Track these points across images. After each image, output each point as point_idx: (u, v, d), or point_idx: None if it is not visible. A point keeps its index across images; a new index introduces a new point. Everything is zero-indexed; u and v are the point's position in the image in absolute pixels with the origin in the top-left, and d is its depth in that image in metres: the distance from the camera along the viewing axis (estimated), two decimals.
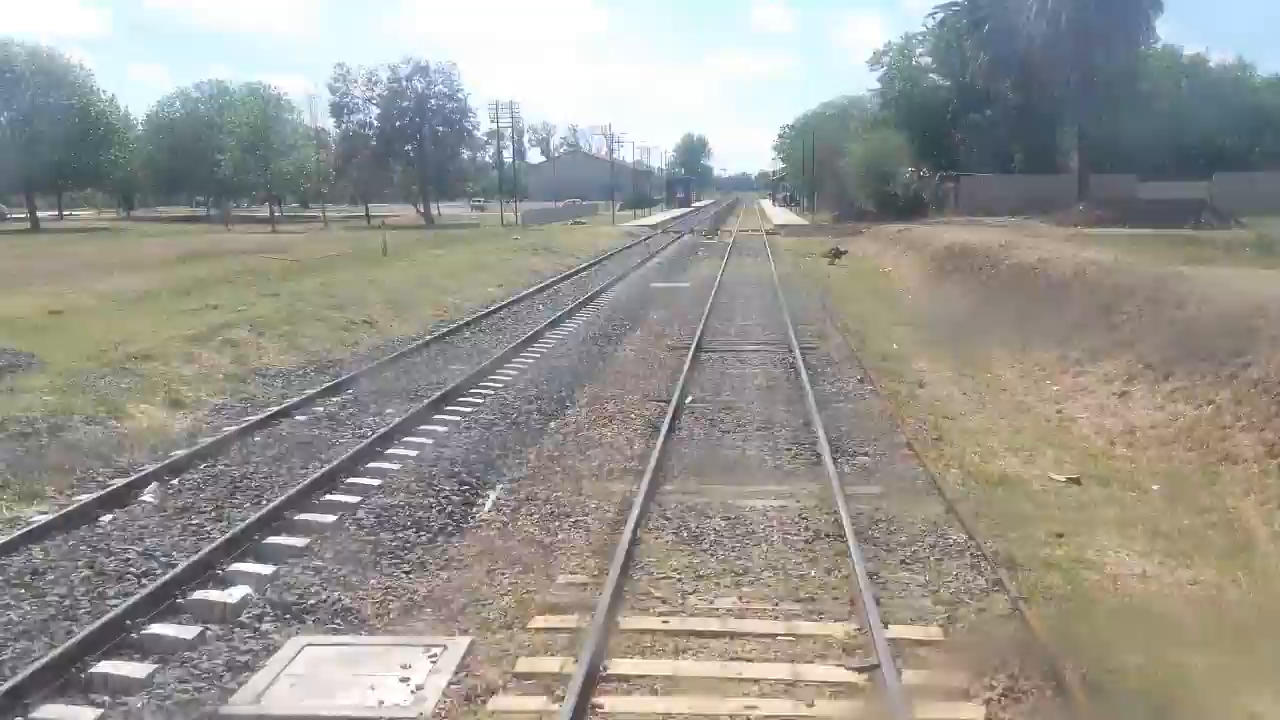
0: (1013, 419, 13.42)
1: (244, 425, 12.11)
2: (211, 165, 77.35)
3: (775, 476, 10.22)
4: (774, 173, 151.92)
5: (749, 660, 6.18)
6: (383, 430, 11.61)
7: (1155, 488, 10.53)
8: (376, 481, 9.91)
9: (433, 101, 71.50)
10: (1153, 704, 5.76)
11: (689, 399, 13.66)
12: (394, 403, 13.45)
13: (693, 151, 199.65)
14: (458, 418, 12.67)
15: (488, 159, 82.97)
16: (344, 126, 71.34)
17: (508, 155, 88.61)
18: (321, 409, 13.23)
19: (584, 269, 36.85)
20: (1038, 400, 14.74)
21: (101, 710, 5.69)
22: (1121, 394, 14.32)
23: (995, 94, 59.32)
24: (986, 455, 11.24)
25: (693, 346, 17.68)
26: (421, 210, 74.16)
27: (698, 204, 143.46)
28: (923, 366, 16.97)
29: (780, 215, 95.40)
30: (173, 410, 13.10)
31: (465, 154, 74.54)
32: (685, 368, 15.63)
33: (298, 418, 12.70)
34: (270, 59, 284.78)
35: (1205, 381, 12.94)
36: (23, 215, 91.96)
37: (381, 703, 5.69)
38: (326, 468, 10.08)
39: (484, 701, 5.68)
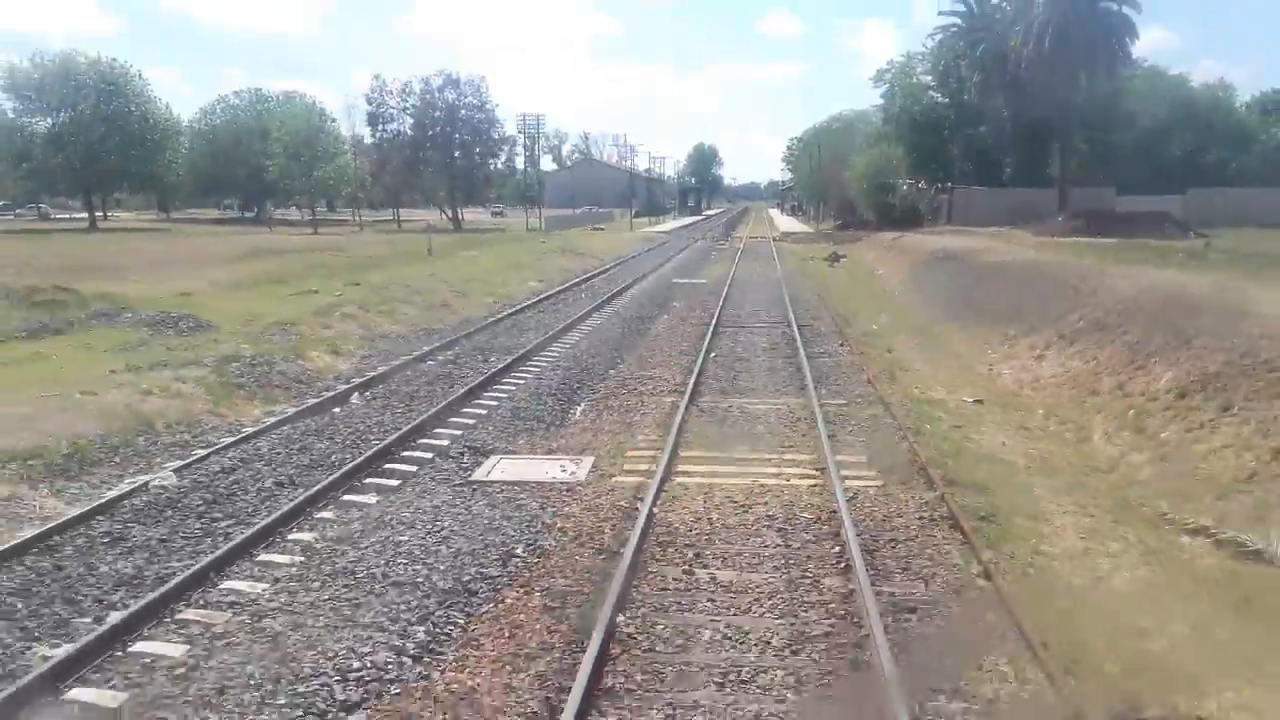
0: (952, 371, 18.10)
1: (394, 365, 16.85)
2: (251, 170, 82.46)
3: (773, 394, 14.93)
4: (782, 183, 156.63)
5: (754, 468, 10.85)
6: (494, 369, 16.32)
7: (1040, 411, 15.21)
8: (502, 397, 14.60)
9: (462, 112, 76.45)
10: (979, 489, 10.40)
11: (712, 354, 18.37)
12: (493, 356, 18.16)
13: (703, 160, 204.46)
14: (542, 365, 17.37)
15: (500, 165, 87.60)
16: (379, 134, 76.19)
17: (530, 163, 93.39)
18: (443, 357, 17.98)
19: (610, 268, 41.49)
20: (976, 361, 19.44)
21: (399, 481, 10.35)
22: (1039, 357, 19.01)
23: (988, 112, 63.85)
24: (924, 389, 15.93)
25: (712, 324, 22.38)
26: (449, 215, 79.01)
27: (708, 212, 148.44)
28: (893, 340, 21.65)
29: (787, 223, 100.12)
30: (335, 357, 17.86)
31: (491, 162, 79.19)
32: (707, 336, 20.34)
33: (429, 362, 17.45)
34: (282, 63, 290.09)
35: (1095, 346, 17.63)
36: (65, 216, 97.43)
37: (554, 478, 10.40)
38: (466, 388, 14.78)
39: (609, 478, 10.38)
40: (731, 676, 6.13)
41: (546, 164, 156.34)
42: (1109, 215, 49.17)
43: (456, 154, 76.36)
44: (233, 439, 11.88)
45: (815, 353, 18.70)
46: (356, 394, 14.61)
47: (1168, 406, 13.56)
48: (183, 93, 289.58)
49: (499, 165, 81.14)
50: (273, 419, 13.02)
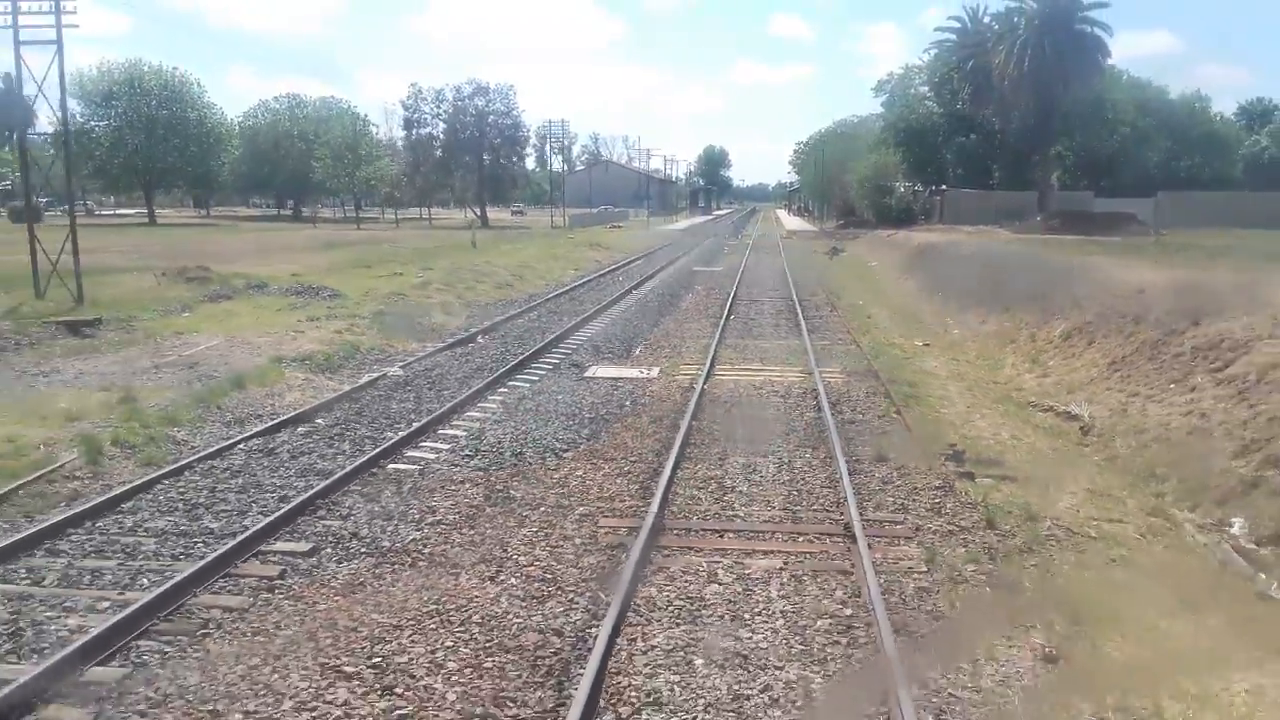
0: (914, 328, 23.91)
1: (494, 321, 22.70)
2: (292, 170, 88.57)
3: (777, 338, 20.76)
4: (789, 184, 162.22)
5: (764, 373, 16.65)
6: (567, 326, 22.10)
7: (971, 352, 21.00)
8: (580, 340, 20.40)
9: (491, 117, 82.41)
10: (909, 384, 16.15)
11: (731, 317, 24.19)
12: (563, 317, 23.96)
13: (713, 162, 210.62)
14: (602, 324, 23.16)
15: (525, 167, 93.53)
16: (413, 138, 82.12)
17: (554, 165, 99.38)
18: (526, 318, 23.85)
19: (636, 260, 47.29)
20: (934, 323, 25.25)
21: (538, 377, 16.16)
22: (982, 320, 24.80)
23: (978, 121, 69.61)
24: (888, 337, 21.75)
25: (730, 298, 28.19)
26: (479, 213, 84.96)
27: (718, 212, 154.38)
28: (873, 310, 27.46)
29: (793, 223, 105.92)
30: (447, 316, 23.74)
31: (517, 164, 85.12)
32: (727, 305, 26.17)
33: (518, 320, 23.31)
34: (293, 63, 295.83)
35: (1024, 311, 23.38)
36: (109, 212, 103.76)
37: (636, 376, 16.23)
38: (553, 335, 20.56)
39: (672, 377, 16.21)
40: (752, 445, 11.89)
41: (556, 164, 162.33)
42: (1081, 215, 54.75)
43: (486, 157, 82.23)
44: (416, 357, 17.76)
45: (810, 316, 24.51)
46: (481, 336, 20.47)
47: (1057, 346, 19.39)
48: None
49: (524, 167, 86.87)
50: (431, 349, 18.86)
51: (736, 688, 5.90)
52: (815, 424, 12.82)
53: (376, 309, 22.93)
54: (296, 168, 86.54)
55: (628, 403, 14.12)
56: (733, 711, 5.64)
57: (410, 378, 15.74)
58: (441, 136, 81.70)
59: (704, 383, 15.30)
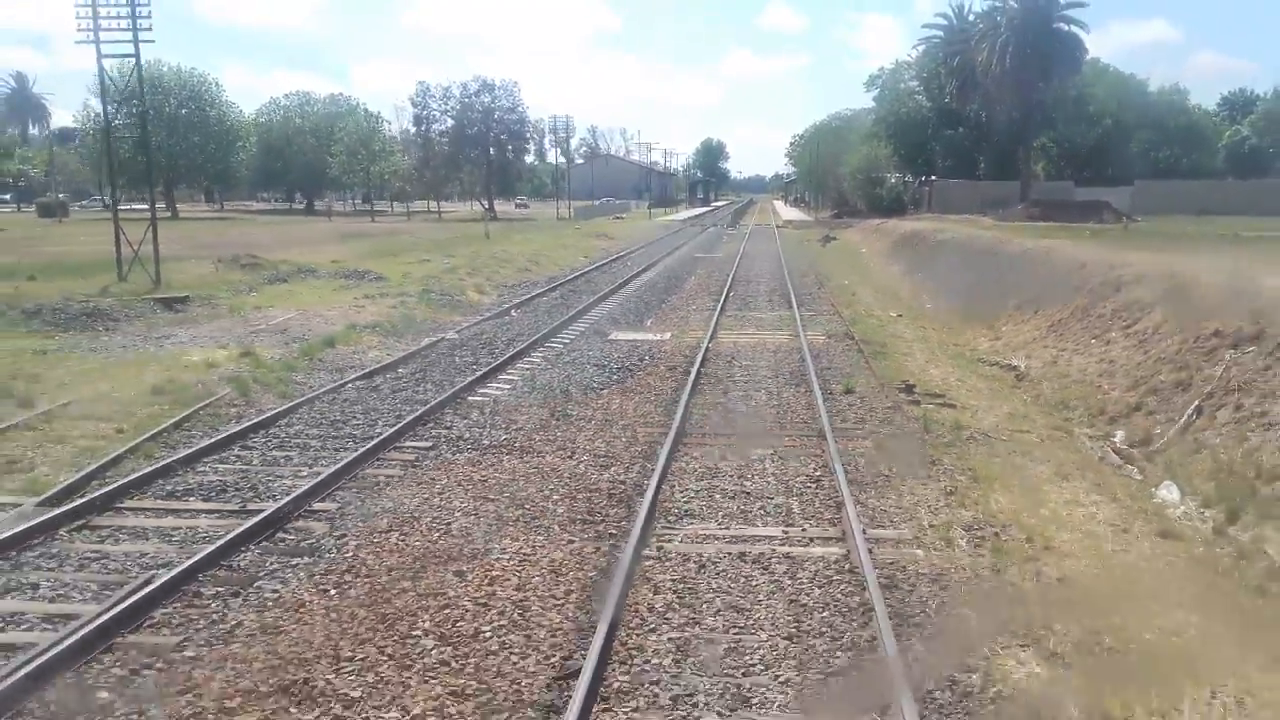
0: (891, 304, 27.06)
1: (523, 299, 25.82)
2: (304, 165, 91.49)
3: (771, 310, 23.91)
4: (786, 175, 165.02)
5: (759, 336, 19.80)
6: (587, 302, 25.22)
7: (940, 323, 24.16)
8: (600, 313, 23.54)
9: (497, 114, 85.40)
10: (879, 344, 19.31)
11: (731, 294, 27.34)
12: (583, 295, 27.07)
13: (711, 154, 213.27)
14: (617, 301, 26.29)
15: (529, 161, 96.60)
16: (423, 133, 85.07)
17: (559, 159, 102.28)
18: (550, 296, 26.98)
19: (640, 248, 50.38)
20: (909, 297, 28.43)
21: (570, 340, 19.30)
22: (942, 294, 27.96)
23: (965, 114, 72.61)
24: (867, 309, 24.90)
25: (729, 279, 31.33)
26: (486, 205, 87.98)
27: (716, 204, 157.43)
28: (857, 288, 30.61)
29: (789, 213, 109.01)
30: (481, 295, 26.87)
31: (523, 158, 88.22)
32: (727, 285, 29.31)
33: (544, 298, 26.44)
34: (285, 56, 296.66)
35: (980, 290, 26.53)
36: (126, 208, 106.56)
37: (651, 339, 19.39)
38: (576, 309, 23.69)
39: (681, 339, 19.36)
40: (749, 384, 15.01)
41: (553, 157, 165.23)
42: (1059, 204, 57.84)
43: (492, 151, 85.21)
44: (464, 326, 20.91)
45: (800, 293, 27.66)
46: (514, 310, 23.62)
47: (1010, 315, 22.57)
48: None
49: (529, 161, 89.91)
50: (475, 320, 21.99)
51: (743, 507, 9.07)
52: (799, 370, 15.98)
53: (420, 289, 26.06)
54: (309, 163, 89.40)
55: (646, 357, 17.27)
56: (740, 518, 8.81)
57: (464, 340, 18.89)
58: (450, 132, 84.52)
59: (708, 342, 18.46)
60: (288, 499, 9.00)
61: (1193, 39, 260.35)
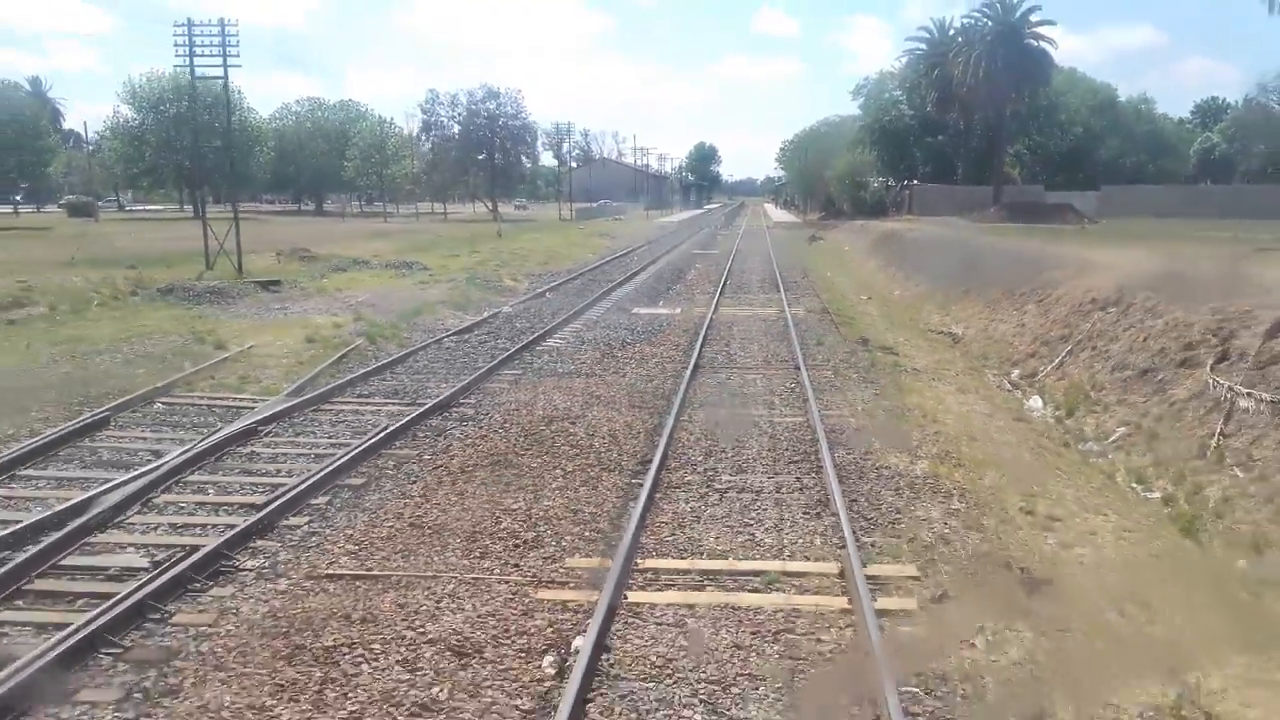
0: (864, 290, 31.94)
1: (551, 285, 30.59)
2: (315, 168, 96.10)
3: (762, 294, 28.76)
4: (776, 179, 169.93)
5: (752, 311, 24.61)
6: (606, 288, 29.99)
7: (901, 305, 29.03)
8: (620, 295, 28.33)
9: (502, 120, 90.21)
10: (848, 317, 24.14)
11: (728, 282, 32.17)
12: (601, 283, 31.82)
13: (703, 158, 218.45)
14: (630, 287, 31.06)
15: (532, 165, 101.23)
16: (431, 139, 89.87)
17: (562, 163, 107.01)
18: (574, 283, 31.76)
19: (643, 246, 55.17)
20: (882, 287, 33.30)
21: (600, 314, 24.08)
22: (916, 284, 32.84)
23: (944, 123, 77.64)
24: (843, 295, 29.77)
25: (726, 271, 36.17)
26: (491, 207, 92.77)
27: (709, 206, 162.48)
28: (836, 279, 35.48)
29: (779, 215, 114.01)
30: (516, 282, 31.64)
31: (526, 163, 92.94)
32: (724, 276, 34.14)
33: (569, 284, 31.22)
34: (277, 58, 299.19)
35: (941, 279, 31.42)
36: (140, 208, 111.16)
37: (666, 313, 24.20)
38: (599, 292, 28.47)
39: (689, 314, 24.19)
40: (745, 340, 19.79)
41: (548, 160, 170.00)
42: (1027, 206, 62.79)
43: (497, 155, 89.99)
44: (512, 304, 25.68)
45: (787, 281, 32.50)
46: (548, 293, 28.39)
47: (959, 299, 27.44)
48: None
49: (532, 165, 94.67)
50: (520, 300, 26.73)
51: (741, 400, 13.89)
52: (783, 331, 20.80)
53: (465, 276, 30.83)
54: (321, 166, 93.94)
55: (664, 324, 22.08)
56: (739, 404, 13.60)
57: (517, 313, 23.68)
58: (457, 137, 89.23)
59: (712, 314, 23.27)
60: (441, 398, 13.73)
61: (1180, 44, 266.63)
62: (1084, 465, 12.06)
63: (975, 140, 75.37)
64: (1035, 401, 15.66)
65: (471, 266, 35.14)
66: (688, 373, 15.46)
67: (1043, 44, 65.95)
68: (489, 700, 5.65)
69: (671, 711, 5.61)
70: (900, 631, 6.56)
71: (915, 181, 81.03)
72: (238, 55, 31.52)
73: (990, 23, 67.19)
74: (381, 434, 11.52)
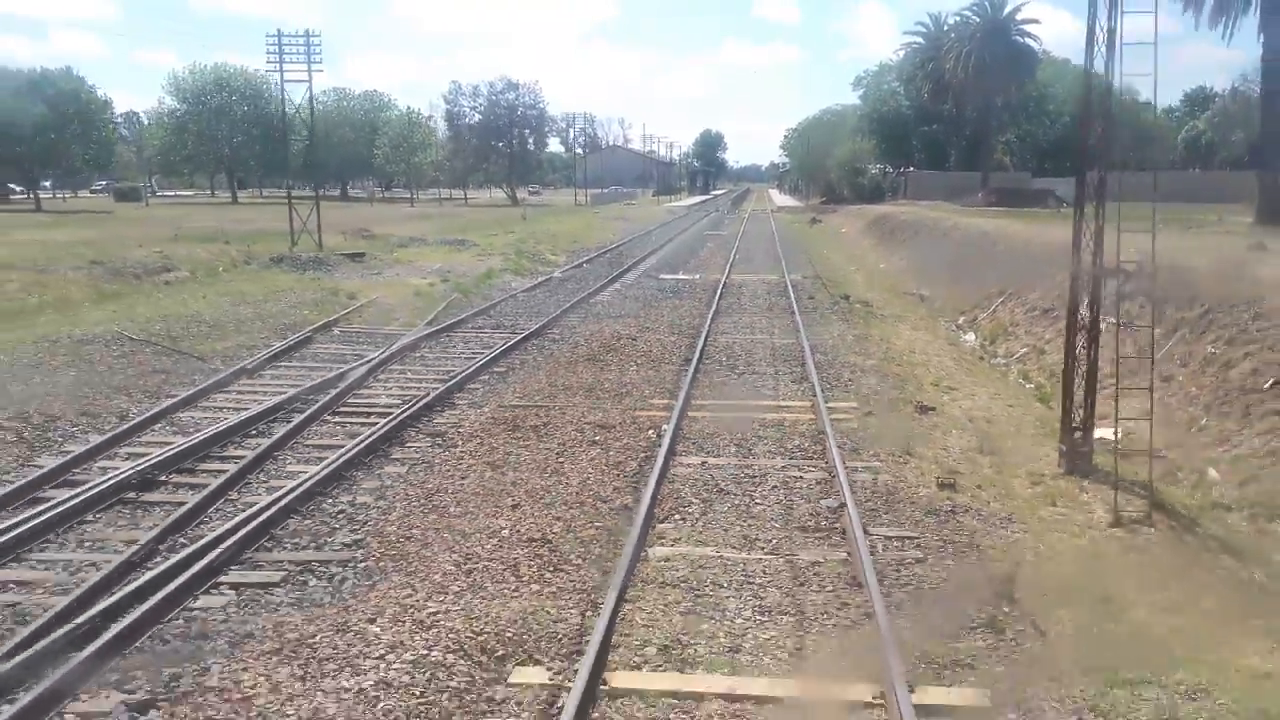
0: (854, 262, 37.23)
1: (586, 259, 35.90)
2: (342, 156, 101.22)
3: (766, 265, 34.05)
4: (780, 165, 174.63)
5: (758, 277, 29.90)
6: (632, 261, 35.26)
7: (887, 276, 34.33)
8: (647, 265, 33.64)
9: (520, 110, 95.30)
10: (839, 282, 29.41)
11: (737, 256, 37.45)
12: (625, 258, 37.08)
13: (709, 145, 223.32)
14: (653, 260, 36.33)
15: (548, 152, 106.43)
16: (454, 129, 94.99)
17: (577, 151, 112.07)
18: (605, 257, 37.07)
19: (658, 228, 60.36)
20: (871, 261, 38.58)
21: (633, 280, 29.38)
22: (901, 258, 38.12)
23: (939, 112, 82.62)
24: (836, 266, 35.06)
25: (734, 247, 41.44)
26: (510, 192, 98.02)
27: (715, 192, 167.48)
28: (832, 254, 40.74)
29: (783, 200, 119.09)
30: (555, 256, 36.94)
31: (544, 150, 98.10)
32: (733, 251, 39.42)
33: (603, 257, 36.54)
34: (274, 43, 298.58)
35: (919, 252, 36.71)
36: (170, 193, 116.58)
37: (687, 279, 29.52)
38: (628, 264, 33.76)
39: (707, 279, 29.49)
40: (753, 296, 25.06)
41: (554, 146, 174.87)
42: (1012, 191, 67.77)
43: (515, 144, 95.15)
44: (558, 272, 30.99)
45: (788, 256, 37.76)
46: (585, 264, 33.69)
47: (929, 270, 32.70)
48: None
49: (548, 152, 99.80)
50: (563, 269, 32.00)
51: (749, 331, 19.22)
52: (782, 290, 26.10)
53: (512, 250, 36.14)
54: (348, 153, 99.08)
55: (687, 286, 27.38)
56: (748, 332, 18.93)
57: (565, 278, 28.99)
58: (478, 126, 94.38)
59: (724, 280, 28.56)
60: (533, 328, 19.03)
61: (1187, 29, 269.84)
62: (988, 370, 17.39)
63: (967, 129, 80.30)
64: (968, 336, 20.99)
65: (513, 244, 40.40)
66: (710, 314, 20.79)
67: (1027, 40, 70.96)
68: (626, 444, 11.01)
69: (718, 450, 10.93)
70: (840, 423, 11.90)
71: (911, 168, 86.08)
72: (320, 61, 36.74)
73: (979, 20, 72.08)
74: (504, 347, 16.86)
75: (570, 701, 5.46)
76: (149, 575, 7.22)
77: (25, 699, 5.47)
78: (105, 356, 15.25)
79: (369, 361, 15.33)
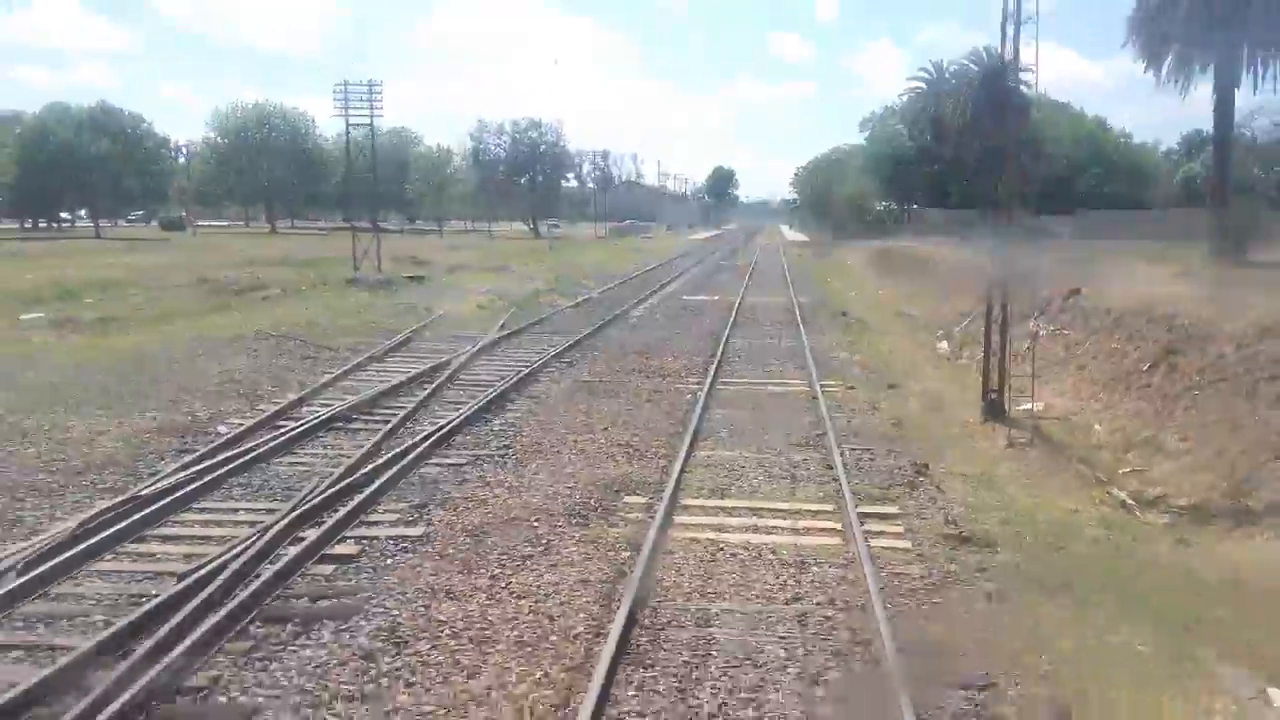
0: (854, 289, 41.64)
1: (614, 284, 40.39)
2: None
3: (776, 290, 38.49)
4: (790, 201, 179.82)
5: (768, 299, 34.31)
6: (656, 286, 39.74)
7: (883, 301, 38.77)
8: (669, 289, 38.12)
9: (542, 147, 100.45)
10: (838, 304, 33.80)
11: (749, 285, 41.93)
12: (650, 284, 41.56)
13: (721, 181, 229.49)
14: (675, 284, 40.82)
15: (568, 188, 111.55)
16: (479, 164, 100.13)
17: (597, 187, 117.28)
18: (631, 282, 41.58)
19: (677, 258, 64.94)
20: (871, 288, 43.00)
21: (657, 300, 33.83)
22: (893, 286, 42.55)
23: (939, 153, 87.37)
24: (838, 291, 39.48)
25: (748, 275, 45.93)
26: (532, 226, 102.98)
27: (727, 226, 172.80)
28: (835, 282, 45.18)
29: (792, 235, 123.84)
30: (588, 281, 41.43)
31: (564, 186, 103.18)
32: (746, 280, 43.90)
33: (629, 283, 41.04)
34: (294, 79, 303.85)
35: (916, 282, 41.15)
36: (203, 224, 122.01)
37: (706, 299, 33.98)
38: (655, 287, 38.23)
39: (725, 300, 33.94)
40: (764, 313, 29.44)
41: (569, 181, 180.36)
42: (1004, 228, 72.14)
43: (539, 179, 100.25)
44: (593, 294, 35.47)
45: (795, 283, 42.18)
46: (615, 288, 38.16)
47: (921, 294, 37.11)
48: (192, 106, 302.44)
49: (566, 187, 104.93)
50: (599, 290, 36.44)
51: (762, 341, 23.62)
52: (789, 309, 30.47)
53: (551, 276, 40.67)
54: (381, 187, 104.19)
55: (708, 306, 31.79)
56: (760, 339, 23.33)
57: (601, 299, 33.45)
58: (503, 162, 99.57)
59: (740, 301, 32.97)
60: (585, 333, 23.39)
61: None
62: (952, 366, 21.69)
63: (965, 169, 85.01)
64: (943, 344, 25.32)
65: (548, 270, 44.95)
66: (728, 325, 25.18)
67: (1021, 86, 75.56)
68: (673, 402, 15.36)
69: (739, 406, 15.25)
70: (828, 393, 16.21)
71: (914, 205, 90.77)
72: (381, 106, 41.59)
73: (976, 69, 76.92)
74: (565, 345, 21.25)
75: (660, 508, 9.74)
76: (384, 458, 11.56)
77: (346, 508, 9.82)
78: (261, 348, 19.70)
79: (464, 353, 19.72)
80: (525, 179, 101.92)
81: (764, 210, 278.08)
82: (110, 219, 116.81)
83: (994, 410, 14.79)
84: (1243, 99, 39.19)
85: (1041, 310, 22.76)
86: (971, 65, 77.82)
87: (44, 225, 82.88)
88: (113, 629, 6.70)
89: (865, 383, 17.64)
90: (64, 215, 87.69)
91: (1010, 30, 15.12)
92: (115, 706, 5.55)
